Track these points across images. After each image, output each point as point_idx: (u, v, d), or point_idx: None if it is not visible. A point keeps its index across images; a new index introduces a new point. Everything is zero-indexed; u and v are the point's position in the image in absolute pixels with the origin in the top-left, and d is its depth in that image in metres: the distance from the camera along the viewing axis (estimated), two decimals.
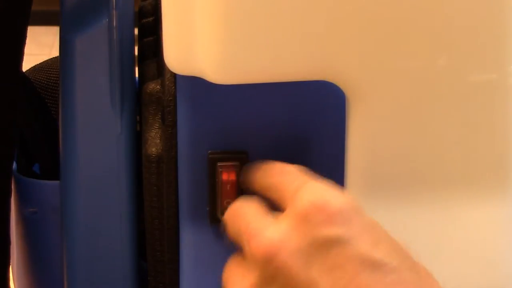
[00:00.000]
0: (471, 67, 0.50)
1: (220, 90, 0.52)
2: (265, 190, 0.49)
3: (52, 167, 0.67)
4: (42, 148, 0.68)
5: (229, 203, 0.52)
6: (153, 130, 0.56)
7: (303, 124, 0.54)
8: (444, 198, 0.52)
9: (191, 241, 0.55)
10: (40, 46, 2.73)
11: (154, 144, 0.56)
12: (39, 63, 0.78)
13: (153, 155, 0.55)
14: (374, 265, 0.42)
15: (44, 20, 2.36)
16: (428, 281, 0.44)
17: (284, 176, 0.48)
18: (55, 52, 0.82)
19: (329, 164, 0.53)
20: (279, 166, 0.49)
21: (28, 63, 0.70)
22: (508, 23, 0.49)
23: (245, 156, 0.53)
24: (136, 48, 0.62)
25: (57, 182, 0.60)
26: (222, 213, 0.51)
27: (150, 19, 0.64)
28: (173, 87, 0.54)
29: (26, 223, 0.67)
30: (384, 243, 0.44)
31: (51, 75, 0.74)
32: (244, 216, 0.47)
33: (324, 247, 0.43)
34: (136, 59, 0.62)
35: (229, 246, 0.49)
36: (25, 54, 0.62)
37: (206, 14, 0.48)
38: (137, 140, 0.58)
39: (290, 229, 0.44)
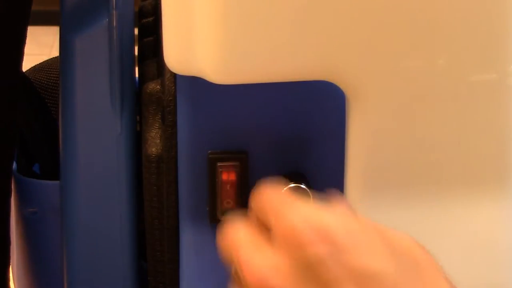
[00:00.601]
0: (471, 67, 0.50)
1: (220, 90, 0.52)
2: (257, 214, 0.49)
3: (52, 167, 0.67)
4: (42, 148, 0.68)
5: (229, 203, 0.52)
6: (153, 130, 0.56)
7: (303, 124, 0.54)
8: (444, 197, 0.52)
9: (191, 241, 0.55)
10: (40, 46, 2.73)
11: (154, 144, 0.56)
12: (39, 63, 0.78)
13: (153, 155, 0.55)
14: (369, 276, 0.42)
15: (44, 20, 2.36)
16: (430, 274, 0.44)
17: (268, 202, 0.47)
18: (55, 52, 0.82)
19: (329, 164, 0.53)
20: (264, 191, 0.49)
21: (28, 63, 0.70)
22: (508, 23, 0.49)
23: (245, 156, 0.53)
24: (136, 48, 0.62)
25: (57, 182, 0.60)
26: (222, 213, 0.51)
27: (150, 19, 0.64)
28: (173, 87, 0.54)
29: (26, 223, 0.67)
30: (378, 249, 0.44)
31: (51, 75, 0.74)
32: (234, 241, 0.47)
33: (314, 267, 0.43)
34: (136, 59, 0.62)
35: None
36: (25, 54, 0.62)
37: (206, 14, 0.48)
38: (137, 140, 0.58)
39: (279, 254, 0.44)
